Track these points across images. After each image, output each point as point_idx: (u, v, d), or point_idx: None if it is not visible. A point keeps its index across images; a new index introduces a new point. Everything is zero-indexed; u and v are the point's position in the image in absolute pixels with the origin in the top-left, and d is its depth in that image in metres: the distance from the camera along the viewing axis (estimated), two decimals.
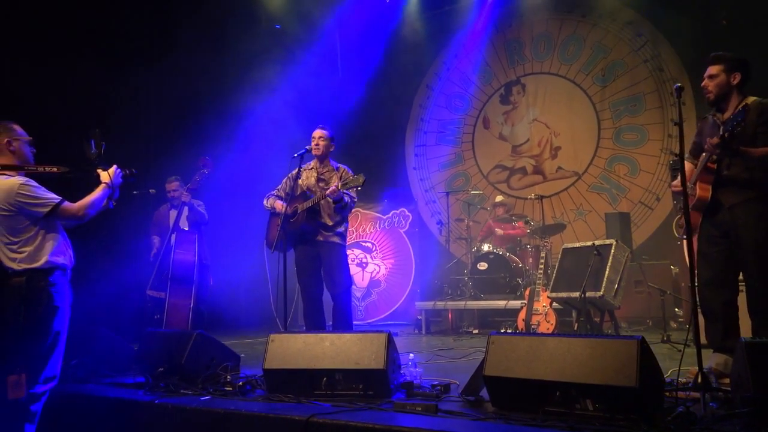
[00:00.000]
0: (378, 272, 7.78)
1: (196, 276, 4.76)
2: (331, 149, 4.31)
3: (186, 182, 5.20)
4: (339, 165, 4.33)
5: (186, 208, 5.13)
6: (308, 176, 4.28)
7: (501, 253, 6.58)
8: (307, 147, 4.12)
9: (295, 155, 4.02)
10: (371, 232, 7.92)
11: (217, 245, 6.00)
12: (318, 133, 4.26)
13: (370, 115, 8.43)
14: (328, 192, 3.88)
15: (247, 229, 6.49)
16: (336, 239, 4.16)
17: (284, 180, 4.40)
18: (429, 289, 7.22)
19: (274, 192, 4.40)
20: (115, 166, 3.00)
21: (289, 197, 4.11)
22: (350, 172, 4.26)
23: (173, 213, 5.35)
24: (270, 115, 7.11)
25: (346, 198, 4.05)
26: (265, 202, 4.36)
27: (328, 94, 7.90)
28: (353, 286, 7.87)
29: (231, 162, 6.60)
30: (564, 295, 4.71)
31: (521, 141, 8.34)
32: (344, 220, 4.26)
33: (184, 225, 5.19)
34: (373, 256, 7.86)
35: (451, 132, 8.85)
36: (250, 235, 6.41)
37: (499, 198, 7.51)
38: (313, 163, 4.33)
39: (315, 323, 4.17)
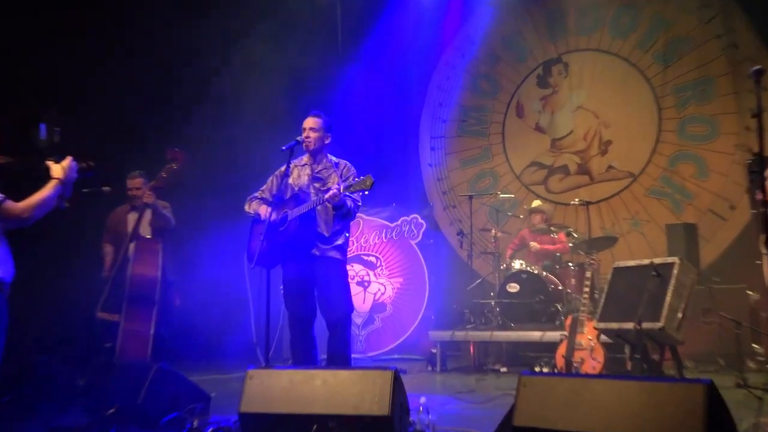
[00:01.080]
0: (383, 293, 7.75)
1: (159, 295, 4.74)
2: (327, 141, 4.29)
3: (150, 179, 5.20)
4: (339, 161, 4.31)
5: (149, 211, 5.14)
6: (300, 174, 4.26)
7: (536, 272, 6.53)
8: (297, 138, 4.12)
9: (284, 148, 4.00)
10: (375, 243, 7.90)
11: (187, 257, 6.01)
12: (309, 122, 4.24)
13: (376, 100, 8.44)
14: (327, 196, 3.86)
15: (225, 238, 6.49)
16: (334, 254, 4.15)
17: (270, 179, 4.39)
18: (446, 316, 7.16)
19: (258, 194, 4.39)
20: (69, 158, 2.99)
21: (277, 200, 4.10)
22: (353, 170, 4.24)
23: (132, 216, 5.35)
24: (257, 102, 7.14)
25: (350, 203, 4.03)
26: (246, 206, 4.35)
27: (325, 75, 7.92)
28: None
29: (207, 156, 6.63)
30: (614, 326, 4.67)
31: (563, 133, 8.31)
32: (345, 229, 4.25)
33: (146, 232, 5.19)
34: (377, 274, 7.84)
35: (477, 121, 8.84)
36: (228, 247, 6.41)
37: (535, 203, 7.48)
38: (305, 158, 4.32)
39: (304, 356, 4.14)
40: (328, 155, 4.32)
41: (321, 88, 7.60)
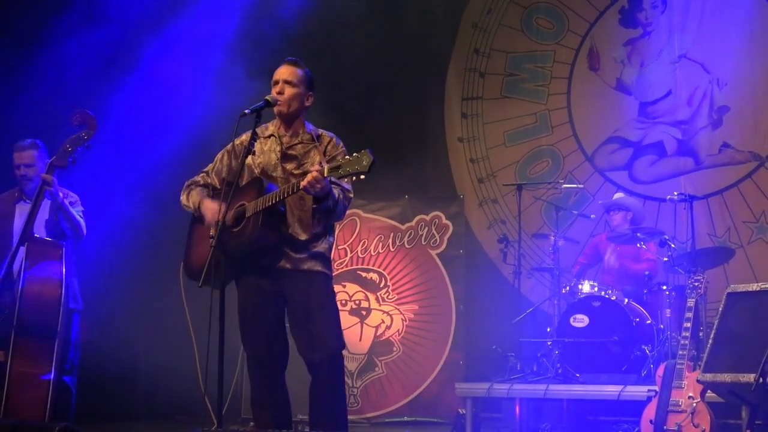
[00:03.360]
0: (389, 327, 7.77)
1: (62, 323, 4.81)
2: (308, 104, 4.32)
3: (51, 154, 5.25)
4: (321, 132, 4.33)
5: (48, 203, 5.20)
6: (263, 150, 4.31)
7: (615, 298, 6.55)
8: (267, 97, 4.13)
9: (247, 111, 4.00)
10: (379, 253, 7.94)
11: (101, 271, 6.07)
12: (285, 71, 4.24)
13: (382, 44, 8.44)
14: (304, 182, 3.89)
15: (157, 243, 6.57)
16: (314, 265, 4.18)
17: (219, 156, 4.41)
18: (481, 361, 7.21)
19: (200, 177, 4.40)
20: None
21: (229, 189, 4.13)
22: (342, 146, 4.27)
23: (22, 208, 5.40)
24: (201, 50, 7.18)
25: (337, 194, 4.05)
26: (183, 197, 4.36)
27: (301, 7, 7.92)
28: (343, 354, 7.85)
29: (131, 125, 6.69)
30: (727, 378, 4.69)
31: (657, 95, 8.32)
32: (328, 231, 4.30)
33: (41, 231, 5.26)
34: (380, 298, 7.87)
35: (531, 75, 8.86)
36: (161, 256, 6.49)
37: (617, 196, 7.52)
38: (271, 127, 4.35)
39: (272, 416, 4.18)
40: (308, 124, 4.35)
41: (294, 29, 7.61)
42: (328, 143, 4.27)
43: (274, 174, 4.22)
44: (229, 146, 4.36)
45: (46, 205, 5.21)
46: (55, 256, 4.85)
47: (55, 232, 5.26)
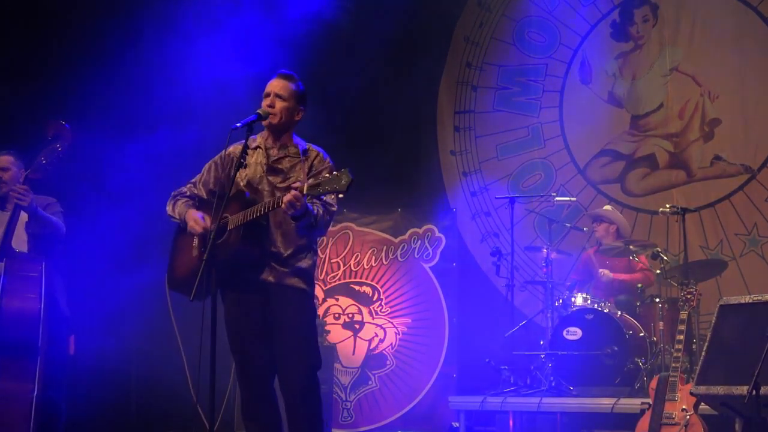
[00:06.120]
0: (382, 340, 7.76)
1: (43, 338, 4.77)
2: (297, 118, 4.31)
3: (27, 165, 5.18)
4: (308, 146, 4.33)
5: (25, 215, 5.14)
6: (251, 163, 4.28)
7: (607, 311, 6.56)
8: (258, 111, 4.12)
9: (237, 125, 4.00)
10: (372, 266, 7.93)
11: (85, 282, 6.03)
12: (277, 84, 4.24)
13: (373, 55, 8.42)
14: (285, 200, 3.88)
15: (147, 254, 6.54)
16: (295, 281, 4.17)
17: (206, 167, 4.41)
18: (475, 375, 7.17)
19: (187, 188, 4.40)
20: None
21: (219, 201, 4.13)
22: (328, 161, 4.27)
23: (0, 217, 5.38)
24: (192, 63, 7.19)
25: (317, 210, 4.04)
26: (169, 207, 4.35)
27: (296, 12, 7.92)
28: (337, 367, 7.83)
29: (113, 134, 6.67)
30: (721, 390, 4.68)
31: (649, 107, 8.33)
32: (311, 246, 4.28)
33: (21, 244, 5.21)
34: (373, 311, 7.86)
35: (523, 89, 8.87)
36: (152, 267, 6.46)
37: (606, 208, 7.53)
38: (259, 139, 4.33)
39: (262, 425, 4.18)
40: (296, 137, 4.35)
41: (288, 35, 7.60)
42: (315, 158, 4.27)
43: (260, 187, 4.22)
44: (216, 158, 4.37)
45: (22, 217, 5.16)
46: (35, 271, 4.82)
47: (36, 239, 5.20)
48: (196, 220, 4.15)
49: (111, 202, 6.74)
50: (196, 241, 4.17)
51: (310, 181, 3.87)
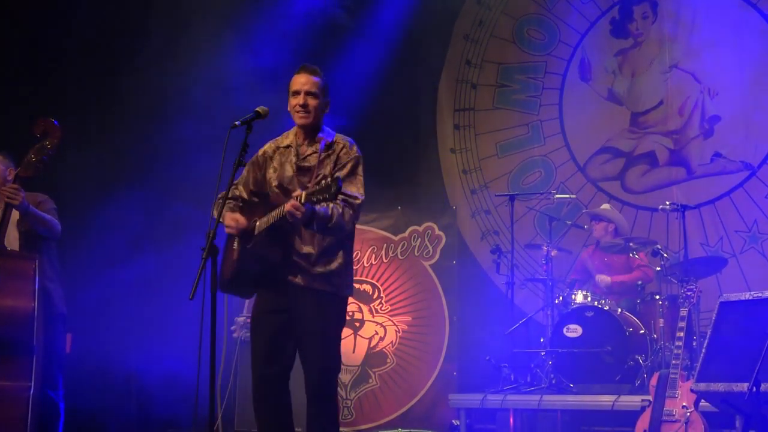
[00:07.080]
0: (382, 339, 7.75)
1: (38, 337, 4.76)
2: (326, 111, 4.31)
3: (16, 164, 5.15)
4: (334, 138, 4.27)
5: (18, 214, 5.12)
6: (282, 163, 4.25)
7: (608, 308, 6.55)
8: (258, 109, 3.99)
9: (237, 123, 3.91)
10: (372, 264, 7.93)
11: (82, 277, 6.03)
12: (305, 80, 4.17)
13: (372, 53, 8.44)
14: (284, 209, 3.85)
15: (150, 254, 6.54)
16: (322, 285, 4.12)
17: (246, 168, 4.35)
18: (475, 372, 7.17)
19: (231, 191, 4.25)
20: None
21: (255, 200, 4.13)
22: (354, 152, 4.21)
23: None
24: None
25: (331, 212, 3.96)
26: (214, 211, 4.28)
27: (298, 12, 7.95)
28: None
29: (110, 132, 6.68)
30: (721, 387, 4.68)
31: (649, 105, 8.33)
32: (342, 244, 4.20)
33: (13, 243, 5.18)
34: (373, 309, 7.85)
35: (523, 87, 8.87)
36: (154, 266, 6.46)
37: (604, 206, 7.53)
38: (291, 136, 4.29)
39: (275, 427, 4.19)
40: (326, 128, 4.30)
41: (286, 28, 7.60)
42: (341, 150, 4.22)
43: (290, 187, 4.16)
44: (254, 157, 4.35)
45: (14, 215, 5.13)
46: (28, 269, 4.80)
47: (28, 237, 5.17)
48: (233, 219, 4.14)
49: (118, 199, 6.74)
50: (236, 242, 4.16)
51: (310, 188, 3.85)
